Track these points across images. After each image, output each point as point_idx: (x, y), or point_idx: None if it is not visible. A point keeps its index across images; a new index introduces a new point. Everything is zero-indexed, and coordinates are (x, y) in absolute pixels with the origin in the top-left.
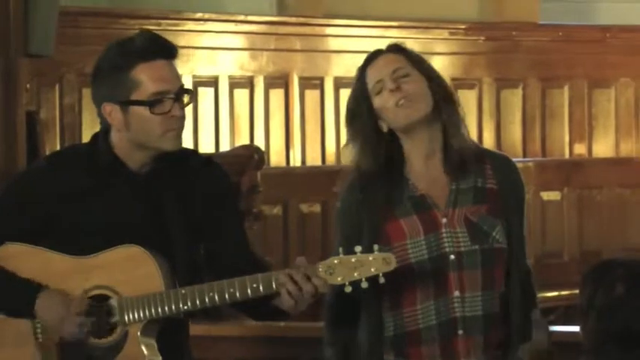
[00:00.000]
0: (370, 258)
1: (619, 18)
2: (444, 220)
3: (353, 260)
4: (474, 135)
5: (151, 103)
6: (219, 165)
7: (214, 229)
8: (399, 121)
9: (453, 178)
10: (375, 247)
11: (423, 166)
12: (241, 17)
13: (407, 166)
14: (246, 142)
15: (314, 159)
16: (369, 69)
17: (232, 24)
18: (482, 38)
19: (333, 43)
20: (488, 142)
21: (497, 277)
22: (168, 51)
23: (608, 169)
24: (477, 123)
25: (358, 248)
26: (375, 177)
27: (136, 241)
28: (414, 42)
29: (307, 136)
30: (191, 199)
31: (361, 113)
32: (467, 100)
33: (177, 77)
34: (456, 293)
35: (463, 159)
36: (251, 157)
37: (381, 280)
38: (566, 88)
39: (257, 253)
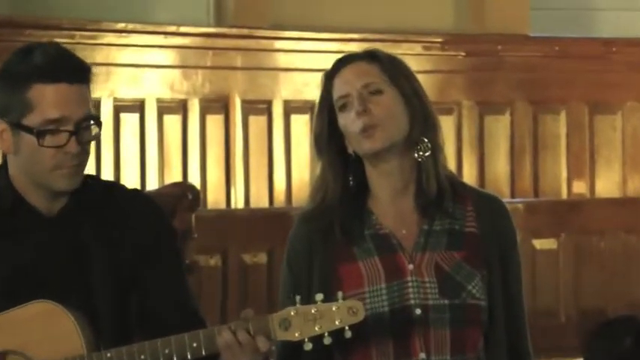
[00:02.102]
0: (333, 308)
1: (624, 29)
2: (411, 267)
3: (313, 311)
4: (451, 169)
5: (40, 133)
6: (150, 199)
7: (147, 280)
8: (363, 149)
9: (426, 217)
10: (340, 294)
11: (390, 199)
12: (172, 28)
13: (372, 198)
14: (178, 178)
15: (259, 199)
16: (337, 78)
17: (161, 36)
18: (462, 54)
19: (283, 60)
20: (469, 177)
21: (471, 339)
22: (73, 73)
23: (612, 211)
24: (456, 154)
25: (319, 296)
26: (334, 206)
27: (51, 295)
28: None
29: (251, 172)
30: (117, 243)
31: (323, 129)
32: (443, 127)
33: (83, 104)
34: (422, 356)
35: (440, 195)
36: (183, 196)
37: (348, 334)
38: (562, 114)
39: (200, 309)
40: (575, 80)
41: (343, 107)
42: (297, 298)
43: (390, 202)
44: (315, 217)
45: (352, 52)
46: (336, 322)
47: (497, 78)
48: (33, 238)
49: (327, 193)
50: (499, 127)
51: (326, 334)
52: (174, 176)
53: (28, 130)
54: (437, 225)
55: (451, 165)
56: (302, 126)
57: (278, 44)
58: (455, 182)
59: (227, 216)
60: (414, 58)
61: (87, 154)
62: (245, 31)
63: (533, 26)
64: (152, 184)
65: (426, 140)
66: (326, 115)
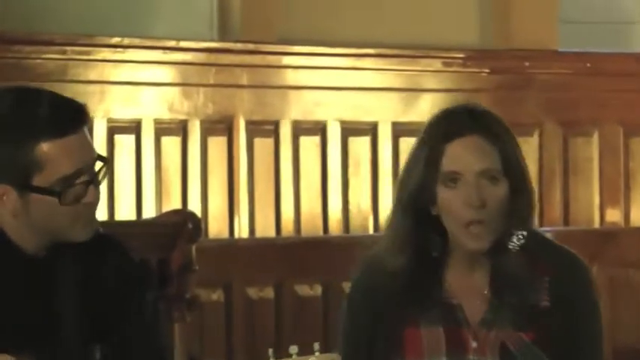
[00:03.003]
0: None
1: None
2: (474, 344)
3: None
4: None
5: (60, 192)
6: (122, 247)
7: (117, 333)
8: (465, 246)
9: (497, 292)
10: (316, 345)
11: (465, 267)
12: (172, 43)
13: (447, 264)
14: (177, 206)
15: (265, 229)
16: (451, 146)
17: (160, 52)
18: (486, 70)
19: (291, 77)
20: None
21: None
22: (76, 120)
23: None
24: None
25: (294, 349)
26: (408, 267)
27: (18, 343)
28: (395, 75)
29: (257, 199)
30: (92, 291)
31: (420, 191)
32: None
33: (90, 148)
34: None
35: (519, 273)
36: (183, 225)
37: None
38: (594, 136)
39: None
40: (609, 99)
41: (452, 182)
42: (270, 351)
43: (465, 272)
44: (385, 268)
45: (361, 76)
46: None
47: (524, 97)
48: (13, 282)
49: (402, 249)
50: (527, 150)
51: None
52: (173, 203)
53: (43, 190)
54: (507, 300)
55: None
56: (312, 149)
57: (286, 60)
58: (534, 243)
59: (231, 247)
60: (433, 75)
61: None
62: (251, 47)
63: (563, 41)
64: (149, 212)
65: (522, 233)
66: (428, 176)
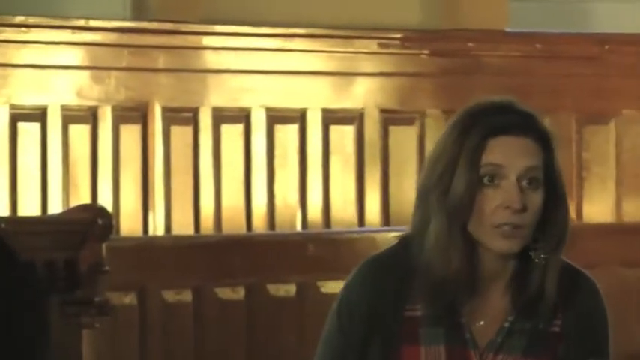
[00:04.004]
0: None
1: (620, 24)
2: None
3: None
4: (405, 192)
5: None
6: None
7: None
8: (494, 246)
9: (512, 313)
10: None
11: (479, 285)
12: (81, 22)
13: None
14: (87, 200)
15: (183, 225)
16: (494, 141)
17: (68, 32)
18: (426, 52)
19: (213, 60)
20: None
21: None
22: None
23: (605, 240)
24: (417, 172)
25: None
26: (420, 272)
27: None
28: (327, 58)
29: (174, 193)
30: None
31: (459, 188)
32: (404, 140)
33: None
34: None
35: (539, 297)
36: (93, 222)
37: None
38: (545, 122)
39: None
40: (562, 84)
41: (489, 180)
42: None
43: (480, 288)
44: (393, 273)
45: (291, 58)
46: None
47: (468, 82)
48: None
49: (449, 260)
50: None
51: None
52: (81, 198)
53: None
54: (519, 323)
55: (411, 185)
56: (235, 138)
57: (207, 41)
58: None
59: (145, 246)
60: (368, 57)
61: None
62: (168, 26)
63: (513, 20)
64: (55, 208)
65: (547, 246)
66: (472, 177)
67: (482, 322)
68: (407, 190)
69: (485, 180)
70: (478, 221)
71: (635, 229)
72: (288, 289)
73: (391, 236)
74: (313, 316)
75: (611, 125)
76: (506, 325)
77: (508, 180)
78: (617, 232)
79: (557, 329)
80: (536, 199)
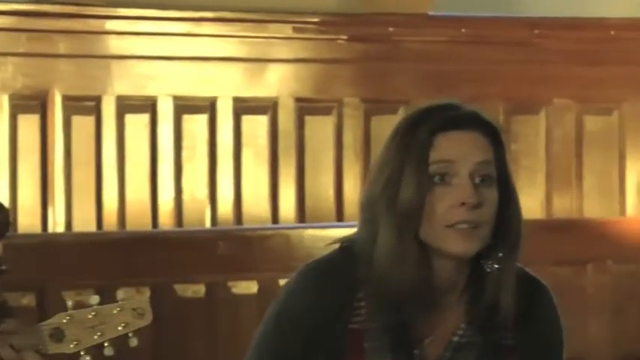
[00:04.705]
0: (115, 310)
1: (552, 8)
2: None
3: (90, 316)
4: (322, 187)
5: None
6: None
7: None
8: (448, 248)
9: (459, 327)
10: (120, 293)
11: (435, 296)
12: None
13: None
14: None
15: (85, 221)
16: (443, 136)
17: None
18: (344, 37)
19: (116, 45)
20: (351, 196)
21: None
22: None
23: (535, 237)
24: (335, 165)
25: (95, 298)
26: (412, 293)
27: None
28: (238, 43)
29: (75, 187)
30: None
31: (407, 190)
32: (317, 131)
33: None
34: None
35: (495, 313)
36: None
37: (133, 342)
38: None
39: None
40: (489, 71)
41: (440, 177)
42: (94, 298)
43: (432, 301)
44: (338, 283)
45: (200, 44)
46: (119, 328)
47: (389, 69)
48: None
49: (403, 270)
50: (390, 130)
51: (106, 343)
52: None
53: None
54: (469, 337)
55: (329, 179)
56: (140, 129)
57: (111, 25)
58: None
59: (44, 243)
60: (282, 43)
61: None
62: (70, 9)
63: (437, 3)
64: None
65: (500, 254)
66: (422, 178)
67: (432, 337)
68: (323, 184)
69: (436, 179)
70: (430, 224)
71: (567, 225)
72: (197, 290)
73: (307, 234)
74: (224, 318)
75: (542, 115)
76: (455, 339)
77: (460, 176)
78: (548, 228)
79: (510, 342)
80: (491, 195)
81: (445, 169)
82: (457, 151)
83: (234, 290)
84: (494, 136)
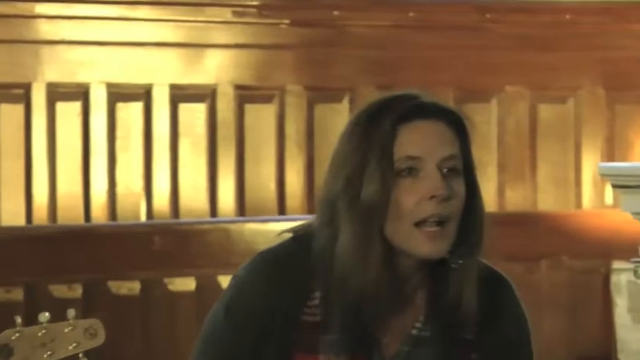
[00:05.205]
0: (66, 329)
1: None
2: None
3: (40, 334)
4: (263, 179)
5: None
6: None
7: None
8: (415, 250)
9: (421, 319)
10: (71, 311)
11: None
12: None
13: None
14: None
15: (13, 215)
16: (406, 128)
17: None
18: (286, 22)
19: (46, 30)
20: (293, 188)
21: None
22: None
23: (487, 231)
24: (277, 156)
25: (44, 316)
26: (376, 288)
27: None
28: (176, 27)
29: (2, 179)
30: None
31: (370, 183)
32: (258, 120)
33: None
34: None
35: (457, 309)
36: None
37: None
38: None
39: None
40: (439, 58)
41: (408, 172)
42: (44, 316)
43: (395, 299)
44: (292, 273)
45: (134, 29)
46: (70, 347)
47: (333, 56)
48: None
49: (367, 266)
50: (336, 120)
51: None
52: None
53: None
54: (427, 330)
55: (270, 170)
56: (71, 118)
57: (40, 8)
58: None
59: None
60: (221, 27)
61: None
62: None
63: None
64: None
65: (465, 248)
66: (389, 170)
67: (390, 331)
68: (265, 175)
69: (403, 173)
70: (397, 221)
71: (520, 219)
72: (132, 287)
73: (247, 228)
74: (160, 317)
75: (493, 103)
76: (414, 332)
77: (427, 169)
78: (500, 222)
79: (470, 337)
80: (459, 187)
81: (411, 165)
82: (423, 147)
83: (171, 287)
84: (458, 126)
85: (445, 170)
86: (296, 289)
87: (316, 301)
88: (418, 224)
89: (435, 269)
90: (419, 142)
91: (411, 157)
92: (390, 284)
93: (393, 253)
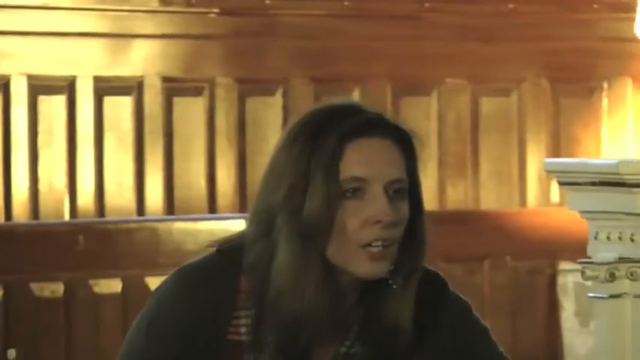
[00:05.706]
0: None
1: None
2: None
3: None
4: (193, 176)
5: None
6: None
7: None
8: (359, 270)
9: (350, 335)
10: (12, 352)
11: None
12: None
13: None
14: None
15: None
16: (353, 145)
17: None
18: (215, 11)
19: None
20: (225, 187)
21: None
22: None
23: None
24: (207, 152)
25: (11, 353)
26: (314, 309)
27: None
28: (100, 16)
29: None
30: None
31: (314, 202)
32: (186, 114)
33: None
34: None
35: (395, 331)
36: None
37: None
38: (355, 93)
39: None
40: (375, 48)
41: (353, 193)
42: (11, 354)
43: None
44: (216, 288)
45: (55, 20)
46: None
47: (264, 46)
48: None
49: (304, 286)
50: (269, 113)
51: None
52: None
53: None
54: (356, 347)
55: (200, 167)
56: None
57: None
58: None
59: None
60: (147, 16)
61: None
62: None
63: None
64: None
65: (405, 268)
66: (334, 191)
67: (323, 347)
68: (194, 172)
69: (348, 194)
70: (340, 242)
71: (461, 217)
72: (55, 289)
73: (176, 227)
74: (84, 319)
75: (433, 96)
76: (343, 350)
77: (373, 191)
78: (440, 221)
79: (408, 348)
80: (404, 209)
81: (357, 186)
82: (369, 168)
83: (96, 289)
84: (406, 144)
85: (391, 192)
86: (220, 306)
87: (242, 320)
88: (363, 246)
89: (373, 287)
90: (365, 163)
91: (357, 179)
92: (329, 304)
93: (331, 272)
